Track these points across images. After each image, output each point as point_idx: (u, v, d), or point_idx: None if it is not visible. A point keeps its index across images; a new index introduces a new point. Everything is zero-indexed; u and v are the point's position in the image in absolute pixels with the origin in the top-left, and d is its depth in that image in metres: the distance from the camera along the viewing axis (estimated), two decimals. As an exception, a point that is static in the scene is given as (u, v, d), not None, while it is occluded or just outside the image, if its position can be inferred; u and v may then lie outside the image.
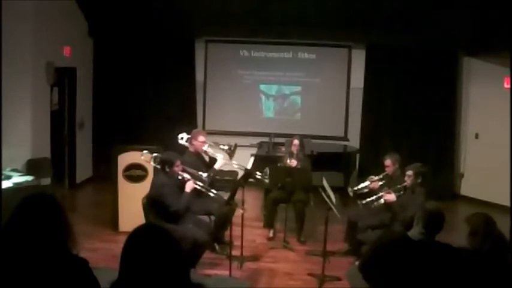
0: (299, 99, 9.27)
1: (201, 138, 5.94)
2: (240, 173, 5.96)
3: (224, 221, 5.64)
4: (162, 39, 8.89)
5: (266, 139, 8.31)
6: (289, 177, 6.16)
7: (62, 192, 7.63)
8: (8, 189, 5.77)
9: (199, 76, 9.22)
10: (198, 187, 5.24)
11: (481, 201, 8.11)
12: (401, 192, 5.40)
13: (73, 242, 2.24)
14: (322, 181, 5.37)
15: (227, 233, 5.46)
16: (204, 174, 5.47)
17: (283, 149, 6.73)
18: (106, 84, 9.05)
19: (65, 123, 8.32)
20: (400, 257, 3.22)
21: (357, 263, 4.73)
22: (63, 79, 8.09)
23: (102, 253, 5.48)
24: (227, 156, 6.04)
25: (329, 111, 9.14)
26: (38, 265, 2.08)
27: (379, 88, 8.82)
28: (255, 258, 5.72)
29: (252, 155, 7.61)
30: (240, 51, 9.24)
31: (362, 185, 5.87)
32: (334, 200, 5.13)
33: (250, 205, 6.96)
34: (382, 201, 5.45)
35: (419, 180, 5.27)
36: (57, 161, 7.73)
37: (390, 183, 5.63)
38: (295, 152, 6.44)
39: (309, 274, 5.31)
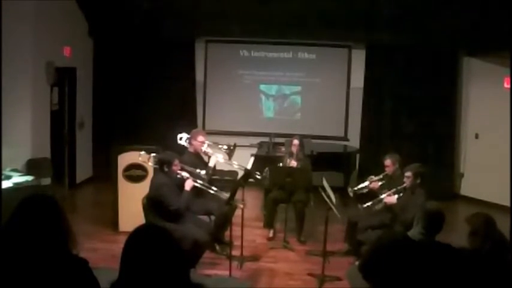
0: (299, 99, 9.27)
1: (201, 138, 5.94)
2: (240, 173, 5.96)
3: (224, 221, 5.63)
4: (162, 39, 8.89)
5: (266, 139, 8.31)
6: (289, 177, 6.15)
7: (62, 192, 7.63)
8: (8, 189, 5.77)
9: (199, 76, 9.22)
10: (198, 185, 5.24)
11: (481, 201, 8.10)
12: (401, 194, 5.40)
13: (73, 242, 2.24)
14: (322, 181, 5.37)
15: (227, 233, 5.46)
16: (203, 172, 5.47)
17: (283, 149, 6.74)
18: (106, 84, 9.05)
19: (65, 123, 8.31)
20: (400, 257, 3.22)
21: (357, 263, 4.73)
22: (63, 79, 8.09)
23: (102, 253, 5.48)
24: (226, 156, 6.05)
25: (329, 111, 9.14)
26: (38, 265, 2.08)
27: (379, 88, 8.82)
28: (255, 258, 5.72)
29: (252, 155, 7.60)
30: (240, 51, 9.24)
31: (362, 185, 5.87)
32: (334, 200, 5.13)
33: (250, 205, 6.97)
34: (382, 204, 5.44)
35: (418, 181, 5.26)
36: (57, 161, 7.73)
37: (390, 183, 5.63)
38: (295, 152, 6.44)
39: (309, 274, 5.31)
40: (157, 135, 8.26)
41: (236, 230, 5.35)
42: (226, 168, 6.43)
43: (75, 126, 8.55)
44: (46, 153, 7.39)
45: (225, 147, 6.05)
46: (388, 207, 5.41)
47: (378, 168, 6.00)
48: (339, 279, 5.07)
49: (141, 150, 6.04)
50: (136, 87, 8.97)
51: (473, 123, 8.61)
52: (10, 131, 6.52)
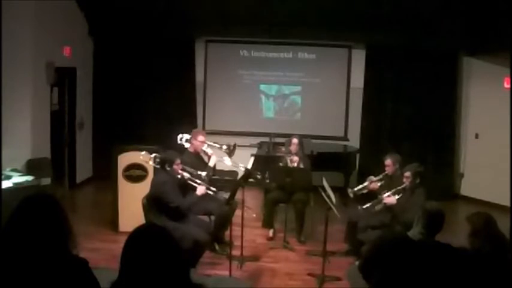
0: (299, 99, 9.27)
1: (201, 138, 5.95)
2: (240, 173, 5.96)
3: (224, 221, 5.64)
4: (162, 39, 8.89)
5: (266, 139, 8.31)
6: (289, 177, 6.16)
7: (62, 192, 7.63)
8: (8, 189, 5.77)
9: (199, 76, 9.22)
10: (211, 192, 5.28)
11: (481, 201, 8.10)
12: (401, 194, 5.40)
13: (73, 242, 2.24)
14: (322, 181, 5.37)
15: (227, 233, 5.46)
16: (203, 173, 5.48)
17: (283, 149, 6.74)
18: (106, 84, 9.05)
19: (65, 123, 8.31)
20: (400, 257, 3.21)
21: (357, 263, 4.73)
22: (63, 79, 8.09)
23: (102, 253, 5.48)
24: (225, 155, 6.05)
25: (329, 111, 9.14)
26: (38, 265, 2.08)
27: (379, 88, 8.82)
28: (255, 258, 5.72)
29: (252, 155, 7.60)
30: (240, 51, 9.24)
31: (362, 185, 5.87)
32: (334, 200, 5.13)
33: (250, 205, 6.94)
34: (382, 204, 5.44)
35: (417, 181, 5.26)
36: (57, 161, 7.73)
37: (390, 183, 5.63)
38: (294, 151, 6.45)
39: (309, 274, 5.31)
40: (157, 135, 8.28)
41: (236, 230, 5.34)
42: (226, 168, 6.43)
43: (75, 126, 8.54)
44: (46, 153, 7.39)
45: (225, 147, 6.05)
46: (388, 207, 5.41)
47: (378, 168, 6.00)
48: (339, 279, 5.07)
49: (141, 150, 6.04)
50: (136, 87, 8.97)
51: (473, 123, 8.61)
52: (10, 131, 6.52)
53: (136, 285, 1.87)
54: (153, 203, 5.08)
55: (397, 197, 5.37)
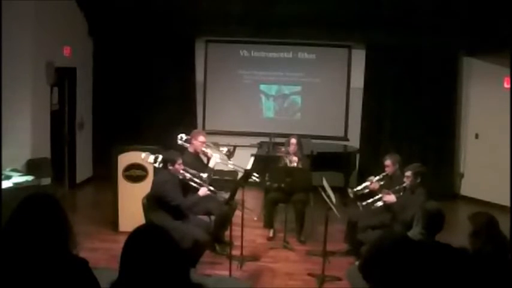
0: (299, 99, 9.27)
1: (201, 138, 5.95)
2: (240, 173, 5.96)
3: (224, 221, 5.64)
4: (162, 39, 8.89)
5: (266, 139, 8.31)
6: (289, 177, 6.16)
7: (62, 192, 7.63)
8: (8, 189, 5.77)
9: (199, 76, 9.22)
10: (211, 193, 5.30)
11: (481, 201, 8.10)
12: (401, 193, 5.40)
13: (73, 242, 2.24)
14: (322, 181, 5.37)
15: (227, 233, 5.46)
16: (204, 175, 5.48)
17: (283, 149, 6.74)
18: (106, 84, 9.05)
19: (65, 123, 8.31)
20: (400, 257, 3.22)
21: (357, 263, 4.73)
22: (63, 79, 8.09)
23: (102, 253, 5.48)
24: (225, 158, 6.05)
25: (329, 111, 9.14)
26: (38, 265, 2.08)
27: (379, 88, 8.82)
28: (255, 258, 5.72)
29: (252, 155, 7.60)
30: (240, 51, 9.24)
31: (362, 186, 5.87)
32: (334, 200, 5.13)
33: (250, 205, 6.94)
34: (382, 202, 5.45)
35: (418, 181, 5.26)
36: (57, 161, 7.73)
37: (390, 183, 5.63)
38: (292, 151, 6.46)
39: (309, 274, 5.31)
40: (157, 135, 8.27)
41: (236, 230, 5.35)
42: (226, 168, 6.43)
43: (75, 126, 8.54)
44: (46, 153, 7.39)
45: (225, 149, 6.05)
46: (388, 207, 5.41)
47: (378, 168, 6.00)
48: (339, 279, 5.07)
49: (141, 150, 6.05)
50: (136, 87, 8.97)
51: (473, 123, 8.61)
52: (10, 131, 6.52)
53: (136, 285, 1.87)
54: (154, 202, 5.09)
55: (397, 195, 5.37)
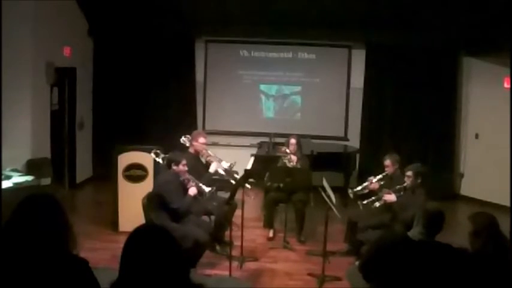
0: (299, 99, 9.27)
1: (202, 139, 5.96)
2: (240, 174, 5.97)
3: (224, 221, 5.64)
4: (162, 39, 8.89)
5: (266, 139, 8.31)
6: (289, 177, 6.16)
7: (62, 192, 7.63)
8: (8, 189, 5.77)
9: (199, 76, 9.22)
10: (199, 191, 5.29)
11: (481, 201, 8.11)
12: (401, 193, 5.40)
13: (73, 242, 2.24)
14: (322, 181, 5.37)
15: (227, 233, 5.46)
16: (207, 189, 5.38)
17: (283, 149, 6.74)
18: (106, 84, 9.04)
19: (65, 123, 8.31)
20: (400, 257, 3.22)
21: (357, 263, 4.73)
22: (63, 79, 8.09)
23: (102, 253, 5.48)
24: (224, 166, 6.06)
25: (329, 111, 9.14)
26: (38, 265, 2.08)
27: (379, 88, 8.82)
28: (255, 258, 5.72)
29: (252, 155, 7.61)
30: (240, 51, 9.24)
31: (362, 186, 5.87)
32: (334, 200, 5.13)
33: (250, 205, 6.95)
34: (382, 201, 5.45)
35: (419, 181, 5.26)
36: (57, 161, 7.73)
37: (390, 183, 5.63)
38: (292, 151, 6.47)
39: (309, 274, 5.31)
40: (157, 135, 8.29)
41: (236, 230, 5.34)
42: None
43: (75, 126, 8.54)
44: (46, 153, 7.39)
45: (228, 164, 6.04)
46: (388, 206, 5.42)
47: (378, 168, 5.99)
48: (339, 279, 5.07)
49: (141, 150, 6.06)
50: (136, 87, 8.97)
51: (473, 123, 8.61)
52: (10, 131, 6.52)
53: (136, 285, 1.87)
54: (155, 201, 5.09)
55: (397, 195, 5.37)
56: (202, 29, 8.86)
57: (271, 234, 6.44)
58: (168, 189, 5.05)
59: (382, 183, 5.74)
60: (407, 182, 5.30)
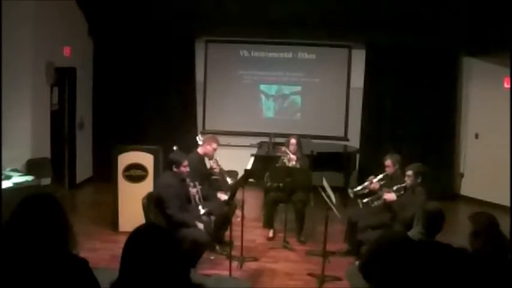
0: (299, 99, 9.27)
1: (214, 145, 6.04)
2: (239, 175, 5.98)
3: (224, 221, 5.64)
4: (162, 39, 8.89)
5: (266, 139, 8.31)
6: (289, 177, 6.16)
7: (62, 192, 7.62)
8: (8, 189, 5.76)
9: (199, 76, 9.22)
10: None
11: (481, 201, 8.11)
12: (402, 192, 5.41)
13: (73, 242, 2.24)
14: (322, 181, 5.37)
15: (227, 233, 5.46)
16: (202, 211, 5.36)
17: (283, 149, 6.75)
18: (106, 84, 9.04)
19: (65, 123, 8.31)
20: (400, 257, 3.22)
21: (357, 263, 4.73)
22: (63, 79, 8.09)
23: (102, 253, 5.49)
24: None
25: (329, 111, 9.14)
26: (38, 265, 2.08)
27: (379, 88, 8.82)
28: (255, 258, 5.72)
29: (252, 155, 7.62)
30: (240, 51, 9.24)
31: (362, 186, 5.87)
32: (334, 200, 5.13)
33: (250, 205, 6.96)
34: (382, 200, 5.45)
35: (419, 180, 5.26)
36: (57, 161, 7.72)
37: (390, 183, 5.63)
38: (292, 151, 6.47)
39: (309, 274, 5.31)
40: (157, 135, 8.28)
41: (236, 230, 5.35)
42: (226, 168, 6.44)
43: (75, 126, 8.54)
44: (46, 153, 7.39)
45: (229, 180, 6.10)
46: (388, 206, 5.42)
47: (378, 168, 6.00)
48: (339, 279, 5.07)
49: (141, 150, 6.06)
50: (136, 87, 8.96)
51: (473, 123, 8.61)
52: (10, 131, 6.52)
53: (136, 285, 1.87)
54: (155, 203, 5.08)
55: (397, 195, 5.38)
56: (202, 29, 8.85)
57: (271, 234, 6.44)
58: (167, 193, 5.03)
59: (382, 183, 5.75)
60: (408, 181, 5.30)
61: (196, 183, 5.43)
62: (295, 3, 7.97)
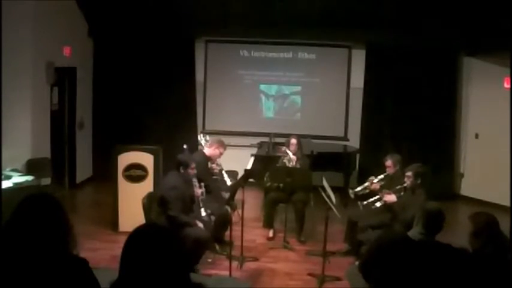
0: (299, 99, 9.27)
1: (222, 150, 6.08)
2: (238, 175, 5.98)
3: (224, 221, 5.64)
4: (162, 39, 8.89)
5: (266, 139, 8.31)
6: (289, 177, 6.16)
7: (62, 192, 7.62)
8: (8, 189, 5.77)
9: (199, 76, 9.21)
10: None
11: (481, 201, 8.10)
12: (402, 193, 5.40)
13: (73, 242, 2.24)
14: (322, 181, 5.37)
15: (227, 233, 5.46)
16: (204, 213, 5.38)
17: (283, 149, 6.75)
18: (106, 84, 9.04)
19: (65, 123, 8.31)
20: (400, 257, 3.22)
21: (357, 263, 4.73)
22: (63, 79, 8.09)
23: (102, 253, 5.49)
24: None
25: (329, 111, 9.14)
26: (38, 265, 2.08)
27: (379, 88, 8.81)
28: (255, 258, 5.72)
29: (252, 155, 7.62)
30: (240, 51, 9.24)
31: (362, 186, 5.87)
32: (334, 200, 5.13)
33: (250, 205, 6.96)
34: (382, 202, 5.45)
35: (419, 181, 5.26)
36: (57, 161, 7.73)
37: (391, 183, 5.63)
38: (293, 151, 6.47)
39: (309, 274, 5.31)
40: (157, 135, 8.28)
41: (236, 230, 5.35)
42: (226, 168, 6.45)
43: (75, 126, 8.54)
44: (46, 153, 7.39)
45: (229, 182, 6.14)
46: (388, 206, 5.42)
47: (378, 169, 6.00)
48: (339, 279, 5.07)
49: (141, 150, 6.05)
50: (136, 87, 8.96)
51: (473, 123, 8.61)
52: (10, 131, 6.52)
53: (136, 285, 1.87)
54: (158, 202, 5.08)
55: (397, 195, 5.37)
56: (202, 29, 8.85)
57: (271, 234, 6.44)
58: (171, 194, 5.02)
59: (382, 183, 5.75)
60: (408, 182, 5.29)
61: (202, 184, 5.43)
62: (295, 3, 7.98)
